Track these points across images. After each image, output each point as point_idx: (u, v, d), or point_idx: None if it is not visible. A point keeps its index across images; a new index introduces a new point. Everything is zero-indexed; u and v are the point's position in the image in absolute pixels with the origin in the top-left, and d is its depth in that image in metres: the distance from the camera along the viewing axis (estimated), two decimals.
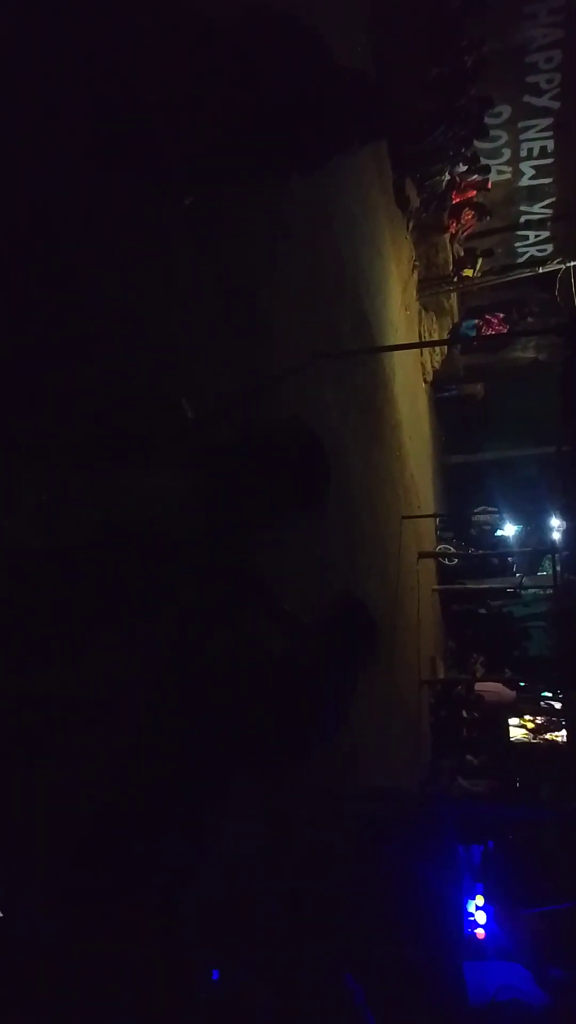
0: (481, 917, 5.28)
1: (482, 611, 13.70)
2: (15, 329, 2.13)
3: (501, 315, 13.93)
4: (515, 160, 12.92)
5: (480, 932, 5.21)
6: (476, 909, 5.32)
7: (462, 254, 12.99)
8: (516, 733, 11.41)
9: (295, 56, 3.10)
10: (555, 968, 4.69)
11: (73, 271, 2.46)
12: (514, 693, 11.63)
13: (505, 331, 13.83)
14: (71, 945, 1.79)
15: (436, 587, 12.10)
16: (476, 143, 11.69)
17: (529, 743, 11.30)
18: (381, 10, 8.73)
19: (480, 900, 5.34)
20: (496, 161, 12.77)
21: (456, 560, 12.99)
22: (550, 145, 12.67)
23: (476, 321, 13.94)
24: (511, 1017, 4.24)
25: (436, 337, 12.72)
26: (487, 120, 11.58)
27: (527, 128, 12.46)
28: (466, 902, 5.30)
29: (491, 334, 13.81)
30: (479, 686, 11.09)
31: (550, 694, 12.25)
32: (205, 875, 2.68)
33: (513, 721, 11.47)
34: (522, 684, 12.38)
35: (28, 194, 2.25)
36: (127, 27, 2.71)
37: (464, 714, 10.73)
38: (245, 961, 2.94)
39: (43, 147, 2.34)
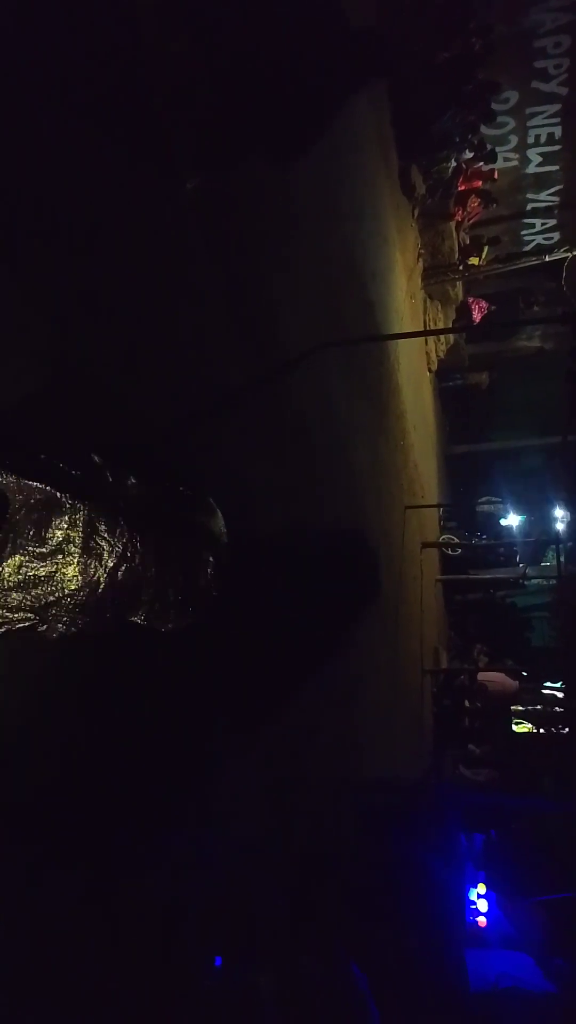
0: (483, 905, 5.31)
1: (483, 599, 13.70)
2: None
3: (484, 303, 13.75)
4: (522, 147, 12.77)
5: (482, 920, 5.24)
6: (478, 897, 5.35)
7: (468, 242, 12.88)
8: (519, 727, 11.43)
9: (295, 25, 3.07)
10: (558, 957, 4.71)
11: (78, 258, 2.44)
12: (517, 683, 11.64)
13: (485, 313, 13.61)
14: (76, 935, 1.80)
15: (439, 577, 12.08)
16: (483, 129, 11.56)
17: (532, 734, 11.33)
18: None
19: (482, 888, 5.37)
20: (503, 148, 12.62)
21: (459, 550, 12.97)
22: (558, 132, 12.51)
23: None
24: (512, 1004, 4.27)
25: (441, 325, 12.63)
26: (494, 106, 11.44)
27: (535, 114, 12.30)
28: (468, 890, 5.33)
29: (481, 319, 13.62)
30: (482, 676, 11.09)
31: (554, 684, 12.27)
32: (208, 864, 2.69)
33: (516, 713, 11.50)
34: (525, 674, 12.40)
35: (32, 179, 2.23)
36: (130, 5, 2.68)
37: (467, 704, 10.75)
38: (248, 949, 2.95)
39: (47, 126, 2.31)
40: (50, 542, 1.72)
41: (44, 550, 1.72)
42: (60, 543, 1.73)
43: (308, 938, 3.12)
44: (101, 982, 1.73)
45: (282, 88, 3.15)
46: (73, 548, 1.75)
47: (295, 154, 3.92)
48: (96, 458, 1.86)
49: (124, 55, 2.69)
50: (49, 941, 1.71)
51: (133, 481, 1.91)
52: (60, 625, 1.83)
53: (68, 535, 1.74)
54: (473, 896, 5.38)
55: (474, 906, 5.34)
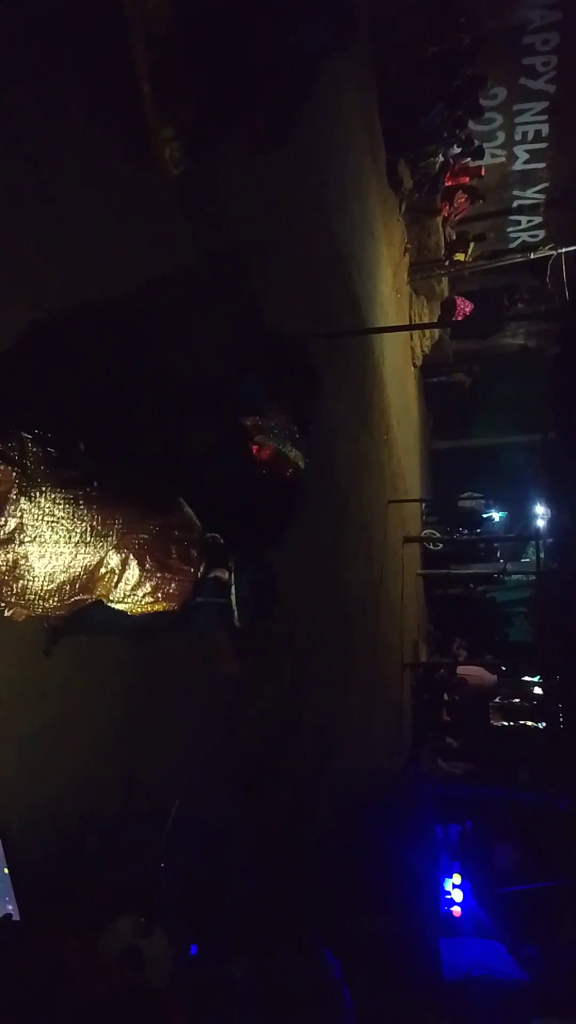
0: (458, 895, 5.37)
1: (463, 594, 13.81)
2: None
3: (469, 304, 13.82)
4: (509, 144, 12.81)
5: (456, 910, 5.30)
6: (453, 887, 5.41)
7: (454, 238, 12.92)
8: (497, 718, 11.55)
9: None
10: (529, 945, 4.79)
11: (59, 244, 2.42)
12: (495, 677, 11.76)
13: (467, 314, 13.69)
14: (50, 922, 1.80)
15: (420, 572, 12.16)
16: (471, 125, 11.58)
17: (509, 727, 11.45)
18: None
19: (457, 879, 5.43)
20: (490, 144, 12.66)
21: (441, 545, 13.05)
22: (545, 129, 12.57)
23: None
24: (485, 992, 4.33)
25: (426, 321, 12.66)
26: (482, 102, 11.47)
27: (522, 111, 12.34)
28: (443, 880, 5.38)
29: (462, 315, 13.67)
30: (461, 670, 11.19)
31: (531, 679, 12.41)
32: (183, 851, 2.70)
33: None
34: (503, 668, 12.52)
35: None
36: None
37: (446, 697, 10.84)
38: (223, 936, 2.96)
39: (35, 112, 2.28)
40: (11, 524, 1.71)
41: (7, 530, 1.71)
42: (24, 525, 1.72)
43: (283, 926, 3.14)
44: (66, 972, 1.73)
45: (265, 72, 3.15)
46: (39, 529, 1.75)
47: (279, 141, 3.91)
48: (67, 437, 1.85)
49: (108, 38, 2.66)
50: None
51: (102, 460, 1.91)
52: (23, 608, 1.81)
53: (33, 514, 1.73)
54: (448, 886, 5.44)
55: (448, 896, 5.41)
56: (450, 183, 12.07)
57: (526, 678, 12.82)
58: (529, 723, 11.50)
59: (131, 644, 2.53)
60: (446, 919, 5.24)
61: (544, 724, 11.20)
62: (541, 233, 14.13)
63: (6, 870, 1.74)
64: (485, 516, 14.22)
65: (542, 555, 11.18)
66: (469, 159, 12.35)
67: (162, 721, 2.96)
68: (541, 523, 12.99)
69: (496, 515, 14.57)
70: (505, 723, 11.57)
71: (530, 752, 10.19)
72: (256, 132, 3.68)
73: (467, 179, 12.41)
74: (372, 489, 8.19)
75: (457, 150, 11.89)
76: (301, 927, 3.35)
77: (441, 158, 11.40)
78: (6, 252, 2.15)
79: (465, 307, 13.66)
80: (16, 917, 1.72)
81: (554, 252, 13.13)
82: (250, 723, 3.87)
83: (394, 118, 9.71)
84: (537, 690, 12.46)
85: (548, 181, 13.44)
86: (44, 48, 2.35)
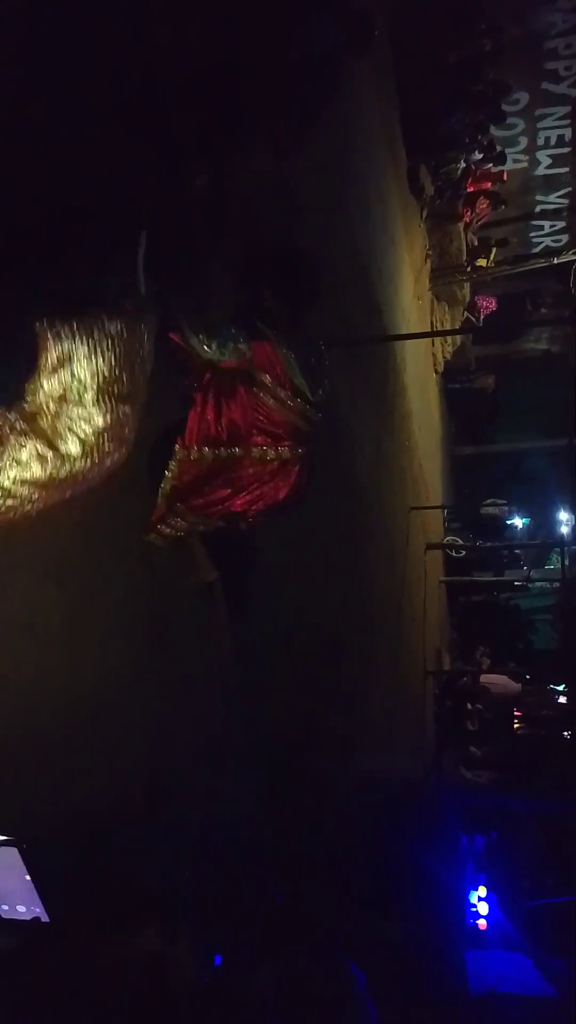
0: (484, 908, 5.29)
1: (487, 601, 13.67)
2: None
3: (491, 301, 13.70)
4: (532, 148, 12.74)
5: (482, 923, 5.22)
6: (479, 900, 5.33)
7: (476, 243, 12.84)
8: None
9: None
10: (557, 959, 4.69)
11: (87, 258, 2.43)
12: (519, 686, 11.61)
13: (490, 311, 13.59)
14: (72, 933, 1.79)
15: (443, 579, 12.06)
16: (492, 130, 11.53)
17: (534, 735, 11.29)
18: None
19: (483, 891, 5.34)
20: (512, 149, 12.59)
21: (463, 552, 12.93)
22: (568, 134, 12.48)
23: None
24: (511, 1007, 4.25)
25: (448, 327, 12.59)
26: (504, 107, 11.41)
27: (545, 116, 12.27)
28: (469, 893, 5.31)
29: (487, 315, 13.57)
30: (484, 678, 11.07)
31: (556, 687, 12.23)
32: (206, 859, 2.68)
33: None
34: (528, 677, 12.36)
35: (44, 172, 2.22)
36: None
37: (469, 706, 10.72)
38: (247, 947, 2.94)
39: (60, 124, 2.30)
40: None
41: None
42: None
43: (307, 937, 3.11)
44: (95, 977, 1.72)
45: (286, 79, 3.16)
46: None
47: (300, 146, 3.92)
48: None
49: (133, 56, 2.69)
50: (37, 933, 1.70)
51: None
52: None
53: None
54: (474, 899, 5.36)
55: (474, 909, 5.33)
56: (472, 188, 12.02)
57: (551, 686, 12.64)
58: (555, 732, 11.33)
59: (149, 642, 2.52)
60: (472, 932, 5.17)
61: (570, 733, 11.03)
62: (564, 238, 14.02)
63: (28, 876, 1.74)
64: (508, 522, 14.08)
65: (567, 561, 11.03)
66: (491, 164, 12.29)
67: (184, 727, 2.95)
68: (566, 529, 12.83)
69: (519, 521, 14.41)
70: (530, 732, 11.41)
71: (555, 760, 10.03)
72: (276, 138, 3.69)
73: (489, 184, 12.33)
74: (394, 495, 8.15)
75: (479, 156, 11.84)
76: (325, 937, 3.32)
77: (463, 164, 11.36)
78: None
79: (489, 305, 13.55)
80: (45, 919, 1.72)
81: None
82: (272, 728, 3.85)
83: (415, 124, 9.69)
84: (562, 699, 12.27)
85: (571, 185, 13.34)
86: None
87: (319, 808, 4.39)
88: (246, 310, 2.42)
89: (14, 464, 1.55)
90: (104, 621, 2.46)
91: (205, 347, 2.20)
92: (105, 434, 1.70)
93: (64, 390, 1.56)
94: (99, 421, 1.66)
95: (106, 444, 1.72)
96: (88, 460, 1.67)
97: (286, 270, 2.54)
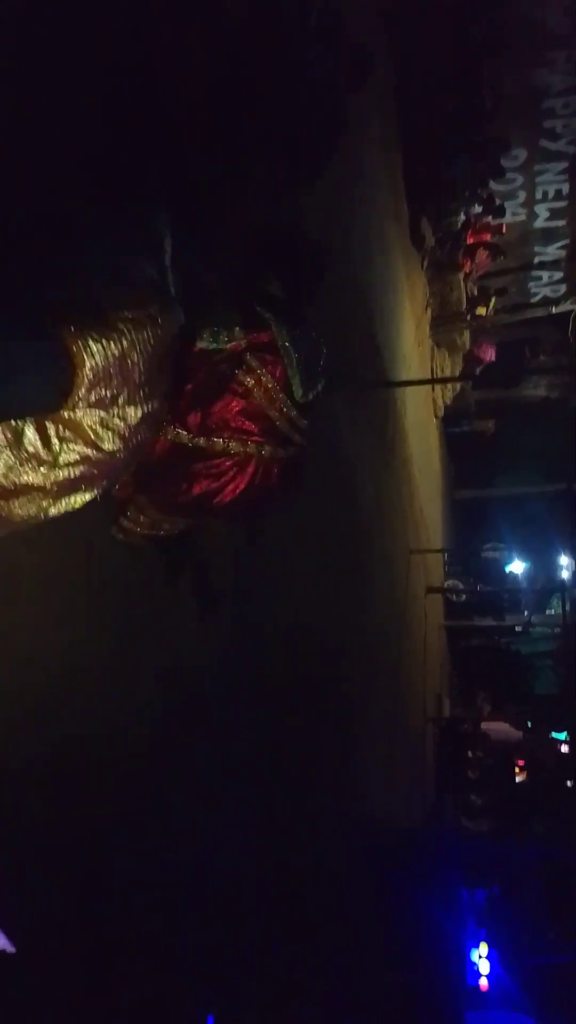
0: (485, 967, 5.12)
1: (487, 645, 13.57)
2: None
3: (491, 347, 13.95)
4: (530, 202, 13.08)
5: (484, 983, 5.05)
6: (479, 958, 5.16)
7: (476, 293, 13.10)
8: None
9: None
10: (559, 1020, 4.53)
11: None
12: (520, 733, 11.44)
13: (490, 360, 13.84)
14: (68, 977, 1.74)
15: (444, 623, 11.99)
16: (492, 184, 11.85)
17: (534, 783, 11.07)
18: (401, 38, 8.85)
19: (484, 949, 5.18)
20: (511, 202, 12.94)
21: (464, 596, 12.89)
22: (565, 188, 12.82)
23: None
24: None
25: (448, 373, 12.76)
26: (503, 163, 11.76)
27: (543, 171, 12.62)
28: (470, 950, 5.15)
29: (487, 363, 13.78)
30: (485, 725, 10.92)
31: (558, 734, 12.04)
32: (201, 903, 2.61)
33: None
34: (529, 724, 12.18)
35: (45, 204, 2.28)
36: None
37: (469, 753, 10.54)
38: (242, 1003, 2.85)
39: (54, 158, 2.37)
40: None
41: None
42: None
43: (302, 990, 3.01)
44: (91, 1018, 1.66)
45: (291, 122, 3.25)
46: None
47: (306, 189, 4.02)
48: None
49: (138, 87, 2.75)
50: (35, 974, 1.65)
51: None
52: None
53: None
54: (475, 957, 5.19)
55: (476, 968, 5.15)
56: (472, 240, 12.31)
57: (553, 734, 12.45)
58: (557, 780, 11.11)
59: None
60: (472, 991, 4.99)
61: (572, 782, 10.83)
62: (563, 288, 14.30)
63: None
64: (508, 567, 14.06)
65: (567, 607, 10.98)
66: (490, 217, 12.62)
67: (183, 768, 2.91)
68: (566, 574, 12.80)
69: (520, 566, 14.39)
70: (531, 780, 11.19)
71: (557, 809, 9.82)
72: (276, 178, 3.76)
73: (488, 236, 12.64)
74: (395, 537, 8.15)
75: (479, 208, 12.15)
76: (321, 991, 3.21)
77: (463, 216, 11.66)
78: None
79: (488, 353, 13.77)
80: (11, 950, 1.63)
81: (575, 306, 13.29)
82: (270, 771, 3.78)
83: (418, 174, 9.97)
84: (564, 748, 12.08)
85: (568, 237, 13.65)
86: None
87: (317, 852, 4.28)
88: (246, 293, 2.36)
89: (66, 466, 1.68)
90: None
91: (201, 338, 2.17)
92: (142, 426, 1.81)
93: (100, 395, 1.65)
94: (133, 416, 1.77)
95: (142, 434, 1.84)
96: (127, 450, 1.80)
97: (290, 253, 2.51)
